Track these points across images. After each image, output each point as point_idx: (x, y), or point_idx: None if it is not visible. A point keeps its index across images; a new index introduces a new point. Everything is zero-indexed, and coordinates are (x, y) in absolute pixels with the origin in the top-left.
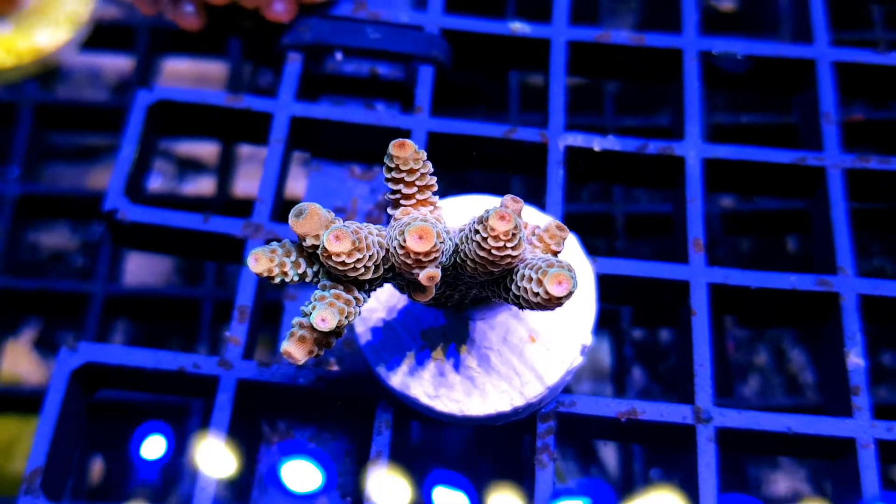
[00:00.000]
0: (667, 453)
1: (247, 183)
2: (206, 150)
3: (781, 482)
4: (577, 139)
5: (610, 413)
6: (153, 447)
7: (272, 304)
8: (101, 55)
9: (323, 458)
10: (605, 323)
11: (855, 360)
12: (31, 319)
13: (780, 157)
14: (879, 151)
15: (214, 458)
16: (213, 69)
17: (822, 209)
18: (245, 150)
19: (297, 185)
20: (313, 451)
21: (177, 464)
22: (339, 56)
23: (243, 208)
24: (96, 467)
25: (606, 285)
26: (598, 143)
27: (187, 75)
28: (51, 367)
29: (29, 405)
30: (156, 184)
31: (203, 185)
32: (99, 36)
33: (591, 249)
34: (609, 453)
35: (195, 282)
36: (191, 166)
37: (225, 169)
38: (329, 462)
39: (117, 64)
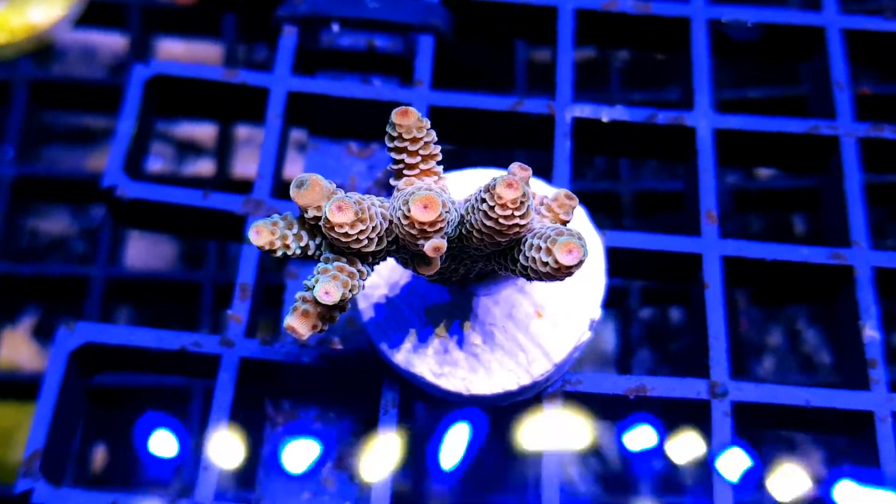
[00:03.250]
0: (674, 431)
1: (245, 165)
2: (205, 132)
3: (798, 464)
4: (584, 110)
5: (618, 390)
6: (162, 443)
7: (273, 287)
8: (94, 33)
9: (324, 434)
10: (612, 302)
11: (871, 333)
12: (30, 307)
13: (792, 127)
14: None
15: (221, 446)
16: (208, 50)
17: (835, 181)
18: (242, 132)
19: (294, 169)
20: (316, 430)
21: (181, 448)
22: (335, 28)
23: (243, 190)
24: (99, 455)
25: (616, 260)
26: (606, 114)
27: (182, 56)
28: (50, 354)
29: (28, 392)
30: (156, 166)
31: (202, 167)
32: (92, 13)
33: (597, 226)
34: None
35: (197, 265)
36: (190, 149)
37: (223, 151)
38: (331, 438)
39: (111, 42)
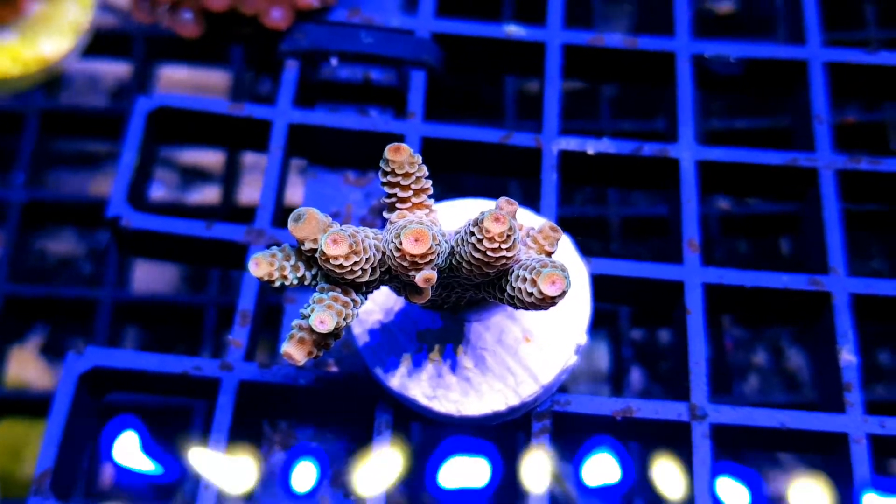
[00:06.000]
0: (664, 451)
1: (250, 191)
2: (210, 158)
3: (782, 479)
4: (570, 143)
5: (605, 411)
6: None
7: (273, 307)
8: (98, 62)
9: (321, 456)
10: (603, 324)
11: (847, 357)
12: (37, 326)
13: (772, 159)
14: (872, 153)
15: (223, 466)
16: (212, 77)
17: (814, 210)
18: (248, 158)
19: (295, 192)
20: (314, 450)
21: (181, 463)
22: (334, 62)
23: (247, 216)
24: (108, 469)
25: (602, 286)
26: (592, 147)
27: (186, 83)
28: (58, 373)
29: (37, 409)
30: (159, 193)
31: (207, 194)
32: (96, 43)
33: (586, 252)
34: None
35: (200, 288)
36: (194, 175)
37: (228, 178)
38: (325, 461)
39: (115, 70)
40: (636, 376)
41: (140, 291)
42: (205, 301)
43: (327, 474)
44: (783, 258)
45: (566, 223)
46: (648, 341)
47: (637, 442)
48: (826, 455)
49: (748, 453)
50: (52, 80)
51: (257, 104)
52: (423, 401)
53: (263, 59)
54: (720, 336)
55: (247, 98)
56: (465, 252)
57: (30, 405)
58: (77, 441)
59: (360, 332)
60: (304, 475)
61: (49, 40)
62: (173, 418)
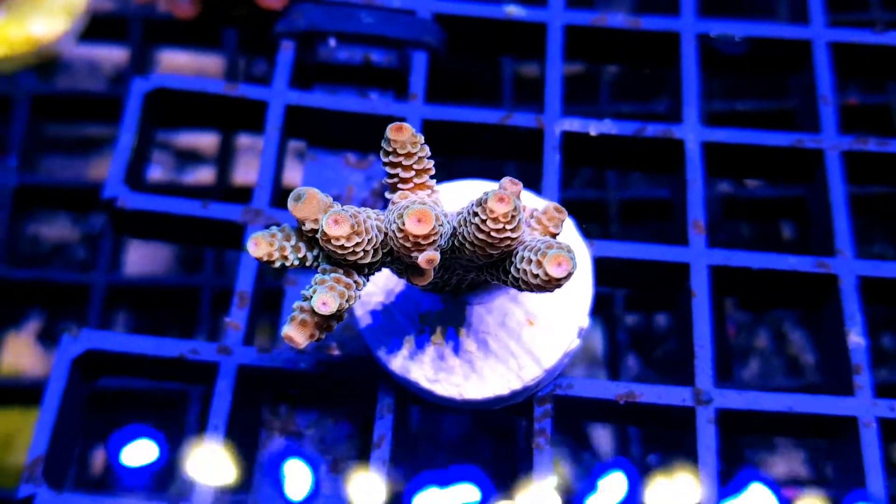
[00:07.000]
0: (664, 436)
1: (246, 173)
2: (205, 140)
3: (779, 465)
4: (573, 124)
5: (608, 395)
6: (139, 452)
7: (272, 291)
8: (97, 47)
9: (314, 461)
10: (598, 308)
11: (856, 339)
12: (33, 312)
13: (778, 140)
14: (876, 135)
15: (212, 462)
16: (212, 61)
17: (820, 192)
18: (243, 140)
19: (293, 176)
20: (306, 453)
21: (176, 454)
22: (332, 43)
23: (243, 198)
24: (99, 457)
25: (604, 269)
26: (594, 128)
27: (186, 67)
28: (53, 360)
29: (30, 397)
30: (155, 175)
31: (202, 176)
32: (94, 27)
33: (586, 235)
34: (605, 439)
35: (195, 271)
36: (190, 157)
37: (224, 159)
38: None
39: (114, 55)
40: (631, 362)
41: (134, 274)
42: (200, 283)
43: (318, 479)
44: (786, 243)
45: (565, 206)
46: (643, 327)
47: (639, 426)
48: (834, 440)
49: (744, 439)
50: (45, 63)
51: (253, 85)
52: (425, 384)
53: (259, 40)
54: (722, 321)
55: (240, 80)
56: (469, 233)
57: (24, 393)
58: (70, 428)
59: (361, 313)
60: (298, 478)
61: (40, 21)
62: (168, 404)
